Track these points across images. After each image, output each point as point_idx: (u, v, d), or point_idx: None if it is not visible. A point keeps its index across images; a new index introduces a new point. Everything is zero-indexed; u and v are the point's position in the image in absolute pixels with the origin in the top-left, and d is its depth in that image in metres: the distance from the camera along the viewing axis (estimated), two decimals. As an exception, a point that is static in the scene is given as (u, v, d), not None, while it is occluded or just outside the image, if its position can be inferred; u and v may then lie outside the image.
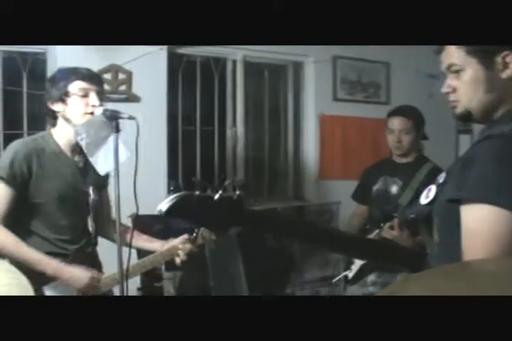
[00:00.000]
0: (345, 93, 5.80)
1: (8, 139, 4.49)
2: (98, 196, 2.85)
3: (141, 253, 3.63)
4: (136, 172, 2.49)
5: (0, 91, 4.53)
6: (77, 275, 2.58)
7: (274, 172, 5.69)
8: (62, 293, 2.56)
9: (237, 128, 5.33)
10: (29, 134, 4.48)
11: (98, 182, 2.84)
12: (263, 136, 5.63)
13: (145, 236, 2.93)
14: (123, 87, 4.59)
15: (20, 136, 4.50)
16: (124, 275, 2.47)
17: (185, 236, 2.82)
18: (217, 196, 1.60)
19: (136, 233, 2.80)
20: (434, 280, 1.07)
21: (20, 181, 2.58)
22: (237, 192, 1.64)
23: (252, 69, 5.46)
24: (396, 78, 5.97)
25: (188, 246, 2.78)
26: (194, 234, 2.77)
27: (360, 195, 3.87)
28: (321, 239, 1.81)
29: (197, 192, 1.58)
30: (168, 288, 4.43)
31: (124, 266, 2.48)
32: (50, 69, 4.30)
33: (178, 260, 2.80)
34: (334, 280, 3.52)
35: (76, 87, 2.67)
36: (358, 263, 3.23)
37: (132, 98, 4.57)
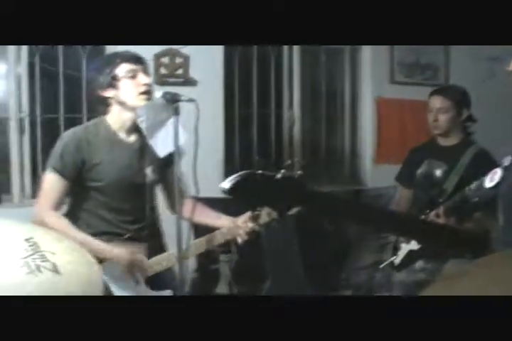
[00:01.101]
0: (403, 76, 5.71)
1: (68, 123, 4.58)
2: (159, 176, 2.87)
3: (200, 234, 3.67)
4: (195, 155, 2.50)
5: (61, 76, 4.61)
6: (118, 255, 2.62)
7: (330, 155, 5.65)
8: (112, 271, 2.58)
9: (294, 111, 5.31)
10: (88, 118, 4.56)
11: (159, 162, 2.85)
12: (319, 119, 5.59)
13: (213, 213, 2.93)
14: (180, 71, 4.62)
15: (80, 119, 4.59)
16: (184, 255, 2.49)
17: (249, 214, 2.80)
18: (279, 175, 1.59)
19: (205, 210, 2.83)
20: (501, 265, 1.05)
21: (71, 171, 2.66)
22: (299, 172, 1.64)
23: (309, 52, 5.42)
24: (455, 60, 5.85)
25: (251, 224, 2.77)
26: (257, 212, 2.75)
27: (405, 177, 3.74)
28: (383, 222, 1.80)
29: (259, 171, 1.58)
30: (224, 271, 4.46)
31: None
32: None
33: (239, 239, 2.80)
34: (381, 266, 3.46)
35: (123, 69, 2.69)
36: (405, 249, 3.17)
37: (189, 81, 4.60)
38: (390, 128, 5.61)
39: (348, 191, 5.49)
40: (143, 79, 2.69)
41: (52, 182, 2.67)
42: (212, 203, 3.67)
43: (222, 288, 4.48)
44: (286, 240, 4.39)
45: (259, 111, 5.22)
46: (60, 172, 2.64)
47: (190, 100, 2.53)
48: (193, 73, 4.64)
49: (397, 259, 3.21)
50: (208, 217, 2.91)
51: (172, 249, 2.75)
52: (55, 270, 1.23)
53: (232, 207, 4.04)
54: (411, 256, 3.14)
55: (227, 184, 1.56)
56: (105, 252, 2.60)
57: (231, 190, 1.56)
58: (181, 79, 4.58)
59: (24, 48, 4.42)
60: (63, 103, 4.64)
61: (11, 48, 4.38)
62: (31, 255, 1.27)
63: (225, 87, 4.84)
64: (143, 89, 2.67)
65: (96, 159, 2.69)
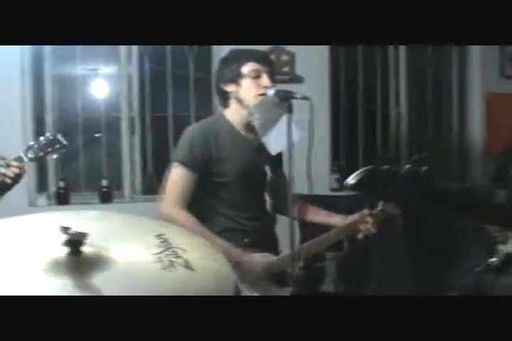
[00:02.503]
0: (514, 70, 5.50)
1: (177, 121, 4.68)
2: (274, 174, 2.88)
3: (304, 233, 3.66)
4: (310, 152, 2.49)
5: (169, 76, 4.72)
6: (253, 266, 2.62)
7: (437, 151, 5.52)
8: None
9: (400, 108, 5.22)
10: (196, 116, 4.64)
11: (274, 160, 2.86)
12: (426, 115, 5.47)
13: (324, 212, 2.91)
14: (286, 68, 4.63)
15: (187, 118, 4.68)
16: (301, 254, 2.49)
17: (366, 211, 2.75)
18: (404, 170, 1.55)
19: (315, 209, 2.81)
20: None
21: (200, 165, 2.64)
22: (424, 168, 1.60)
23: (415, 47, 5.31)
24: None
25: (370, 220, 2.73)
26: (377, 208, 2.72)
27: (499, 178, 3.57)
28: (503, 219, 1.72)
29: (385, 166, 1.54)
30: (330, 268, 4.44)
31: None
32: (216, 52, 4.42)
33: (360, 235, 2.77)
34: (480, 269, 3.33)
35: (249, 68, 2.69)
36: (503, 251, 3.05)
37: (295, 79, 4.60)
38: (500, 124, 5.41)
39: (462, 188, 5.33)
40: (265, 81, 2.68)
41: (180, 176, 2.65)
42: (318, 200, 3.66)
43: (327, 286, 4.45)
44: (394, 238, 4.31)
45: (365, 107, 5.15)
46: (190, 165, 2.63)
47: (304, 98, 2.51)
48: (299, 70, 4.64)
49: (496, 262, 3.10)
50: (319, 215, 2.90)
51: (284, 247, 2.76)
52: (188, 266, 1.24)
53: (339, 203, 4.04)
54: (509, 258, 3.03)
55: (352, 180, 1.53)
56: (241, 262, 2.59)
57: (356, 186, 1.53)
58: (287, 77, 4.58)
59: (134, 49, 4.55)
60: (171, 102, 4.74)
61: (123, 50, 4.52)
62: (163, 251, 1.29)
63: (331, 83, 4.81)
64: (263, 91, 2.66)
65: (221, 154, 2.69)
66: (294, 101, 2.52)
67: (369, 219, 2.72)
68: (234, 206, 2.73)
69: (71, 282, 1.19)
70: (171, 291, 1.19)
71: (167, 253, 1.29)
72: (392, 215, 2.72)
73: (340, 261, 4.37)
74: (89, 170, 4.71)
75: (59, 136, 2.64)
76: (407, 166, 1.56)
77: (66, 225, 1.21)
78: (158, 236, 1.36)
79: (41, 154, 2.62)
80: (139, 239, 1.36)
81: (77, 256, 1.23)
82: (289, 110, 2.49)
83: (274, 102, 2.63)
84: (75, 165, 4.67)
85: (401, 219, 2.81)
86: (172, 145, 4.58)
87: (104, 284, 1.19)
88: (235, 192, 2.72)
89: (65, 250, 1.24)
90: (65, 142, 2.65)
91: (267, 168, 2.83)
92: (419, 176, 1.57)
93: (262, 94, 2.67)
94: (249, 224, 2.76)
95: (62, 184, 4.49)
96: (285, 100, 2.53)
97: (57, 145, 2.64)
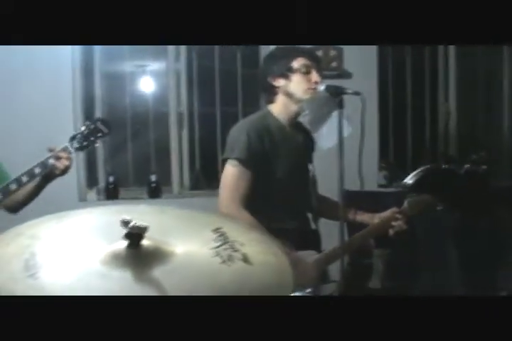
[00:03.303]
0: None
1: (224, 117, 4.70)
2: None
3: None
4: (361, 147, 2.47)
5: (217, 72, 4.74)
6: (308, 265, 2.60)
7: (488, 148, 5.42)
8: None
9: (449, 104, 5.15)
10: (244, 112, 4.65)
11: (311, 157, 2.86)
12: (476, 111, 5.38)
13: (352, 210, 2.88)
14: (334, 64, 4.60)
15: (235, 113, 4.69)
16: (344, 252, 2.47)
17: (395, 208, 2.76)
18: (464, 170, 1.53)
19: (347, 207, 2.80)
20: None
21: (257, 161, 2.61)
22: (483, 167, 1.57)
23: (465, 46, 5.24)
24: None
25: (400, 216, 2.72)
26: (404, 205, 2.72)
27: None
28: None
29: (444, 166, 1.53)
30: (377, 265, 4.40)
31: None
32: (264, 48, 4.42)
33: (391, 232, 2.75)
34: None
35: (299, 63, 2.68)
36: None
37: (343, 74, 4.57)
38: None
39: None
40: (315, 76, 2.67)
41: (239, 174, 2.59)
42: (366, 196, 3.63)
43: (374, 283, 4.42)
44: (442, 237, 4.26)
45: (414, 103, 5.10)
46: (245, 163, 2.58)
47: (356, 93, 2.48)
48: (347, 65, 4.61)
49: None
50: (349, 213, 2.86)
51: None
52: (247, 260, 1.24)
53: (385, 200, 4.00)
54: None
55: (410, 179, 1.52)
56: (296, 264, 2.56)
57: (414, 186, 1.52)
58: (336, 72, 4.55)
59: (182, 46, 4.58)
60: (219, 97, 4.76)
61: (171, 46, 4.55)
62: (221, 245, 1.29)
63: (379, 78, 4.77)
64: (313, 86, 2.65)
65: (274, 151, 2.66)
66: (344, 97, 2.50)
67: (399, 216, 2.72)
68: (276, 203, 2.69)
69: (131, 275, 1.20)
70: (229, 285, 1.20)
71: (225, 247, 1.29)
72: (430, 209, 2.71)
73: (388, 258, 4.33)
74: (138, 166, 4.76)
75: (99, 124, 2.63)
76: (467, 166, 1.54)
77: (126, 219, 1.22)
78: (216, 230, 1.36)
79: (85, 143, 2.62)
80: (196, 233, 1.37)
81: (137, 249, 1.24)
82: (340, 105, 2.47)
83: (325, 98, 2.62)
84: (124, 161, 4.73)
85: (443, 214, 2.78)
86: (220, 141, 4.60)
87: (164, 277, 1.19)
88: (283, 188, 2.70)
89: (124, 243, 1.25)
90: (105, 130, 2.65)
91: (311, 166, 2.82)
92: (478, 175, 1.55)
93: (311, 89, 2.66)
94: (292, 222, 2.74)
95: (111, 179, 4.55)
96: (336, 95, 2.50)
97: (99, 134, 2.64)
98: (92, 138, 2.63)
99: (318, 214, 2.89)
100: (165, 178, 4.67)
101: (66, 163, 2.57)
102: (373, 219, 2.80)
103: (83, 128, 2.63)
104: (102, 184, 4.64)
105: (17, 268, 1.24)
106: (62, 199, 2.91)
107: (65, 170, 2.59)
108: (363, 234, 2.77)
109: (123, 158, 4.71)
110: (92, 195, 4.56)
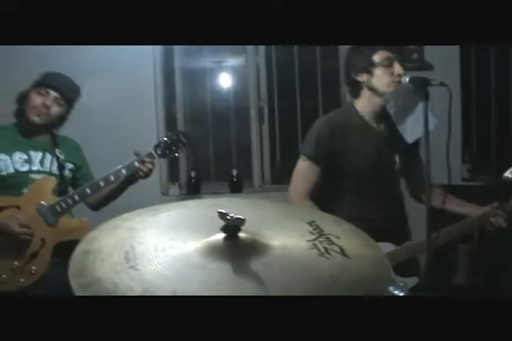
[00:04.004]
0: None
1: (304, 111, 4.71)
2: (406, 163, 2.83)
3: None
4: (449, 140, 2.42)
5: (296, 66, 4.74)
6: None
7: None
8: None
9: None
10: (324, 106, 4.65)
11: (404, 149, 2.82)
12: None
13: (459, 200, 2.84)
14: (415, 55, 4.54)
15: (315, 108, 4.69)
16: (432, 243, 2.43)
17: (496, 203, 2.66)
18: None
19: (449, 196, 2.75)
20: None
21: (326, 158, 2.66)
22: None
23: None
24: None
25: (501, 213, 2.65)
26: (510, 202, 2.63)
27: None
28: None
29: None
30: (462, 260, 4.32)
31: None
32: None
33: (489, 227, 2.68)
34: None
35: (381, 56, 2.66)
36: None
37: (425, 66, 4.50)
38: None
39: None
40: (398, 69, 2.64)
41: (305, 169, 2.69)
42: (451, 190, 3.54)
43: (459, 278, 4.34)
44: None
45: (498, 95, 4.97)
46: (314, 159, 2.66)
47: (442, 84, 2.44)
48: (428, 57, 4.54)
49: None
50: (454, 204, 2.82)
51: (417, 236, 2.71)
52: (343, 253, 1.24)
53: (473, 194, 3.91)
54: None
55: (510, 173, 1.48)
56: None
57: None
58: (417, 64, 4.48)
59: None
60: (299, 91, 4.76)
61: (250, 41, 4.57)
62: (317, 238, 1.30)
63: (461, 70, 4.66)
64: (396, 79, 2.62)
65: (349, 146, 2.69)
66: (431, 88, 2.46)
67: (500, 212, 2.64)
68: (361, 195, 2.71)
69: (230, 266, 1.22)
70: (327, 278, 1.20)
71: (321, 239, 1.30)
72: None
73: (473, 253, 4.24)
74: (219, 160, 4.82)
75: (180, 136, 2.91)
76: None
77: (224, 211, 1.24)
78: (310, 223, 1.37)
79: (167, 152, 2.89)
80: (291, 225, 1.38)
81: (235, 242, 1.27)
82: (426, 97, 2.43)
83: (410, 90, 2.58)
84: (206, 156, 4.79)
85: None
86: (300, 135, 4.60)
87: (262, 269, 1.21)
88: (362, 183, 2.71)
89: (222, 235, 1.28)
90: (185, 141, 2.92)
91: (397, 158, 2.79)
92: None
93: (395, 82, 2.64)
94: (377, 213, 2.72)
95: (193, 174, 4.62)
96: (421, 87, 2.47)
97: (180, 144, 2.91)
98: (173, 148, 2.90)
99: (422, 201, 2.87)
100: (246, 173, 4.72)
101: (150, 166, 2.83)
102: (477, 211, 2.73)
103: (166, 138, 2.89)
104: (184, 179, 4.72)
105: (118, 260, 1.27)
106: (145, 194, 3.00)
107: (148, 174, 2.85)
108: (457, 227, 2.71)
109: (204, 153, 4.78)
110: (174, 189, 4.64)
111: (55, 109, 2.87)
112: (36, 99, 2.84)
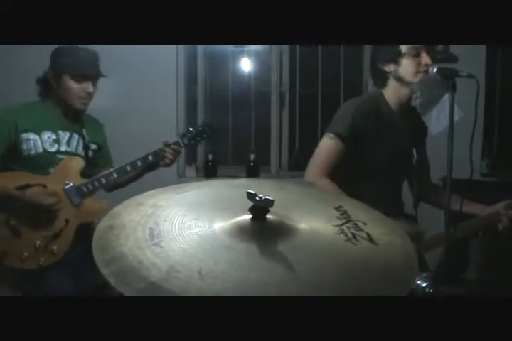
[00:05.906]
0: None
1: (325, 98, 4.68)
2: (417, 160, 2.81)
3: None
4: (473, 133, 2.40)
5: (319, 52, 4.71)
6: None
7: None
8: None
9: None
10: (345, 93, 4.63)
11: (419, 142, 2.80)
12: None
13: (465, 200, 2.81)
14: (440, 47, 4.50)
15: (337, 94, 4.67)
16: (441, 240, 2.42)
17: (509, 201, 2.64)
18: None
19: (455, 197, 2.73)
20: None
21: (356, 139, 2.62)
22: None
23: None
24: None
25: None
26: None
27: None
28: None
29: None
30: (475, 257, 4.31)
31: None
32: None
33: (500, 226, 2.66)
34: None
35: (408, 46, 2.64)
36: None
37: (450, 58, 4.45)
38: None
39: None
40: (425, 59, 2.62)
41: (330, 147, 2.63)
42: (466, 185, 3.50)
43: (470, 274, 4.33)
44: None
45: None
46: (344, 138, 2.61)
47: (470, 76, 2.41)
48: (454, 49, 4.50)
49: None
50: (459, 203, 2.79)
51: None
52: (371, 240, 1.24)
53: (488, 190, 3.89)
54: None
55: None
56: None
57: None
58: (441, 56, 4.44)
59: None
60: (321, 78, 4.73)
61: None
62: (345, 223, 1.29)
63: (487, 63, 4.62)
64: (423, 69, 2.60)
65: (376, 132, 2.66)
66: (458, 79, 2.43)
67: (510, 212, 2.60)
68: (373, 185, 2.67)
69: (257, 248, 1.21)
70: (354, 264, 1.19)
71: (348, 225, 1.29)
72: None
73: (486, 250, 4.23)
74: (238, 144, 4.81)
75: (206, 128, 3.04)
76: None
77: (253, 192, 1.23)
78: (337, 208, 1.36)
79: (193, 142, 3.00)
80: (319, 209, 1.37)
81: (262, 223, 1.26)
82: (453, 88, 2.40)
83: (436, 81, 2.55)
84: (224, 139, 4.79)
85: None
86: (320, 122, 4.59)
87: (290, 252, 1.20)
88: (378, 172, 2.68)
89: (249, 216, 1.27)
90: (210, 133, 3.05)
91: (415, 151, 2.77)
92: None
93: (422, 72, 2.61)
94: (383, 205, 2.68)
95: (210, 157, 4.62)
96: (449, 78, 2.44)
97: (204, 135, 3.04)
98: (198, 139, 3.02)
99: (425, 200, 2.85)
100: (264, 158, 4.71)
101: (176, 155, 2.94)
102: (483, 210, 2.71)
103: (192, 129, 3.02)
104: (200, 161, 4.72)
105: (142, 237, 1.27)
106: (163, 175, 3.02)
107: (173, 160, 2.95)
108: (467, 226, 2.69)
109: (223, 137, 4.77)
110: (191, 171, 4.65)
111: (93, 92, 2.90)
112: (76, 87, 2.84)
